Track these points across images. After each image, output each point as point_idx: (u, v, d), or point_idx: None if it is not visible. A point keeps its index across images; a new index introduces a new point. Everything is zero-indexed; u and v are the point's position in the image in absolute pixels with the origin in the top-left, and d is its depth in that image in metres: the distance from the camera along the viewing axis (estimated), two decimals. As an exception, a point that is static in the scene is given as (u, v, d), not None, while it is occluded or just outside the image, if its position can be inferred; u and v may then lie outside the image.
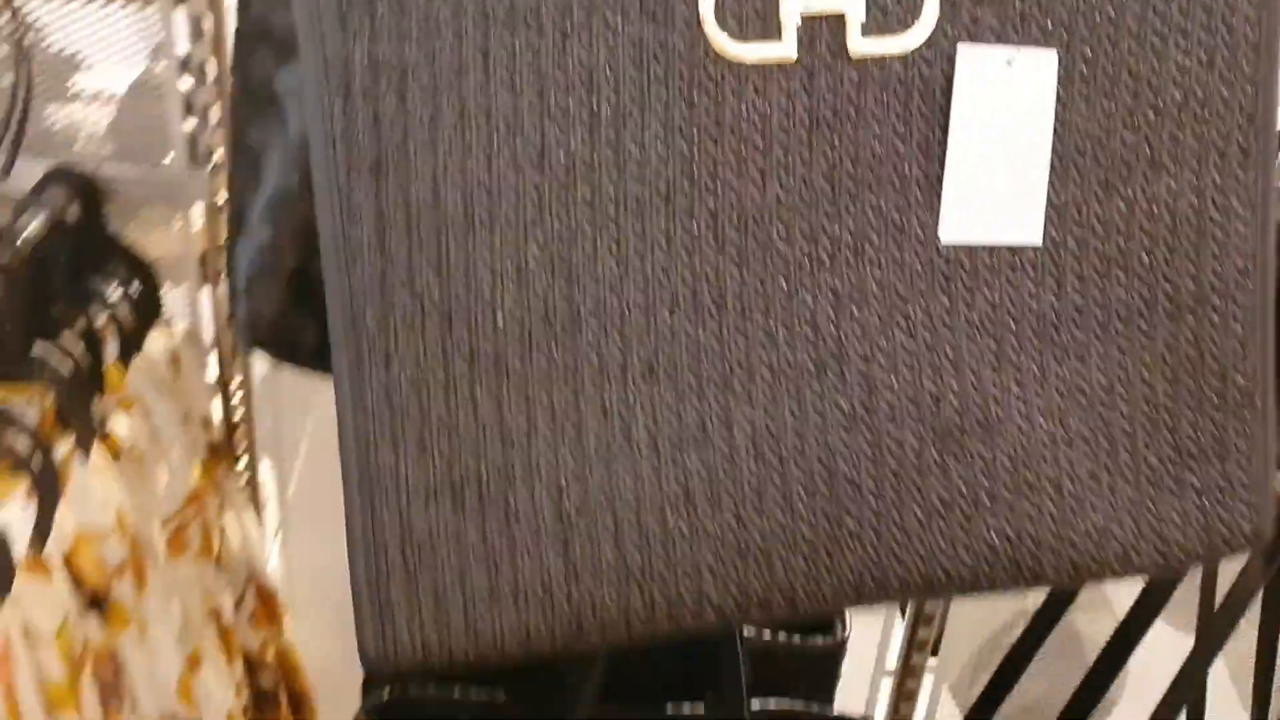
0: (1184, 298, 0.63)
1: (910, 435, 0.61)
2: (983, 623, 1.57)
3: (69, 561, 0.86)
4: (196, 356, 1.23)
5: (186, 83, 1.15)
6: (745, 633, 1.21)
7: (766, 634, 1.21)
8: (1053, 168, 0.61)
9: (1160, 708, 1.12)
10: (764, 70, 0.58)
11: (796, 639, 1.23)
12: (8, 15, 0.82)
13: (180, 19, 1.14)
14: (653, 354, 0.59)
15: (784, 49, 0.58)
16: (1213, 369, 0.64)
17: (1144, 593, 1.14)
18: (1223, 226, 0.63)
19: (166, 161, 1.19)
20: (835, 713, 1.23)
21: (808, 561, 0.61)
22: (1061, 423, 0.63)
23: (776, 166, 0.59)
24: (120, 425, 1.02)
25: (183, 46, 1.14)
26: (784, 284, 0.60)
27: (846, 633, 1.25)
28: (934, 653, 1.55)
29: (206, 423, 1.23)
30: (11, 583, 0.79)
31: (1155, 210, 0.62)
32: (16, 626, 0.79)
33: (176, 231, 1.25)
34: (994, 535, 0.63)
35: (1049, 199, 0.62)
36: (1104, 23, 0.60)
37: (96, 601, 0.89)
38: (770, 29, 0.58)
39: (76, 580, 0.87)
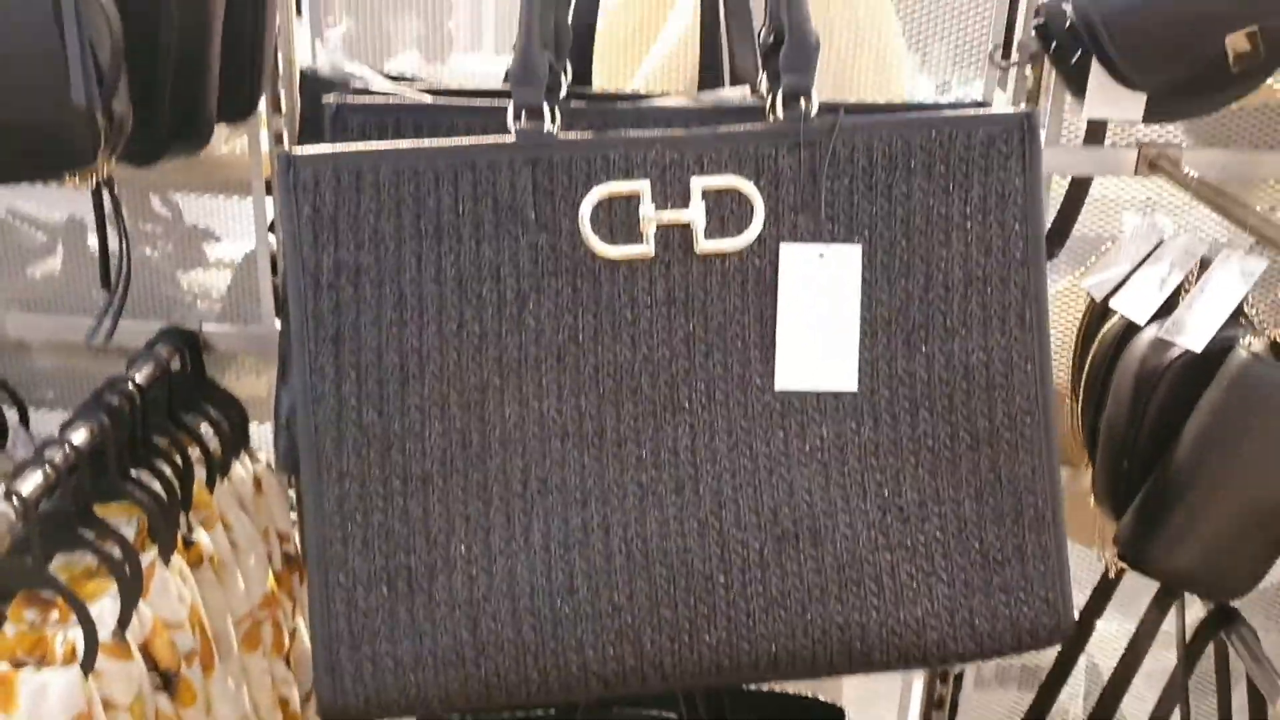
0: (980, 433, 0.79)
1: (753, 539, 0.78)
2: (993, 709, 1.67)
3: (145, 646, 1.07)
4: (277, 481, 1.45)
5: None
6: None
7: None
8: (863, 330, 0.78)
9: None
10: (631, 263, 0.77)
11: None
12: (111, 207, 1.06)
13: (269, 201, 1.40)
14: (547, 474, 0.77)
15: (644, 249, 0.77)
16: (1009, 490, 0.79)
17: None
18: (1007, 376, 0.79)
19: (259, 320, 1.44)
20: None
21: (672, 640, 0.77)
22: (882, 532, 0.79)
23: (643, 334, 0.77)
24: (203, 537, 1.24)
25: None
26: (651, 421, 0.78)
27: (846, 724, 1.37)
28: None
29: (284, 537, 1.45)
30: (94, 660, 0.99)
31: (951, 363, 0.79)
32: (98, 696, 0.99)
33: (265, 378, 1.49)
34: (825, 623, 0.78)
35: (862, 355, 0.79)
36: (898, 223, 0.78)
37: (168, 681, 1.10)
38: (634, 234, 0.77)
39: (151, 662, 1.08)
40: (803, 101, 0.77)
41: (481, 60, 1.30)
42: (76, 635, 0.99)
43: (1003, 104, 1.27)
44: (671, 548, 0.77)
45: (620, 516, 0.77)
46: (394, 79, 1.15)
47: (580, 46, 1.06)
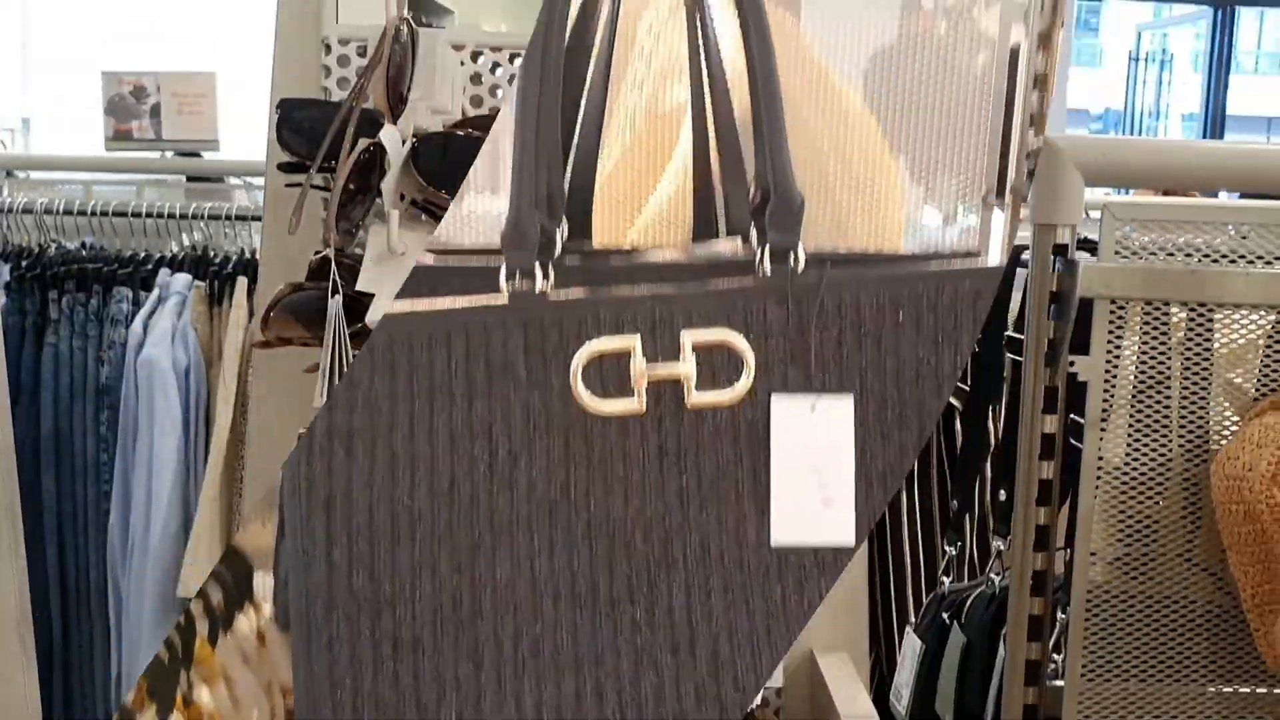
0: (981, 586, 0.78)
1: (753, 704, 0.76)
2: None
3: (141, 811, 1.04)
4: (281, 634, 1.43)
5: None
6: None
7: None
8: (859, 483, 0.78)
9: None
10: (623, 419, 0.77)
11: None
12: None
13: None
14: (539, 636, 0.76)
15: (635, 404, 0.77)
16: None
17: None
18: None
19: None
20: None
21: (669, 809, 0.75)
22: (885, 691, 0.77)
23: (635, 488, 0.77)
24: (203, 695, 1.22)
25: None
26: (645, 579, 0.77)
27: None
28: None
29: (286, 691, 1.42)
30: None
31: (949, 515, 0.78)
32: None
33: (270, 526, 1.48)
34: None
35: (858, 508, 0.78)
36: (890, 374, 0.78)
37: None
38: (626, 389, 0.77)
39: (147, 828, 1.05)
40: (790, 257, 0.78)
41: (497, 202, 1.31)
42: (69, 803, 0.97)
43: (1001, 230, 1.28)
44: (667, 714, 0.75)
45: (614, 682, 0.76)
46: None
47: (582, 200, 1.07)
